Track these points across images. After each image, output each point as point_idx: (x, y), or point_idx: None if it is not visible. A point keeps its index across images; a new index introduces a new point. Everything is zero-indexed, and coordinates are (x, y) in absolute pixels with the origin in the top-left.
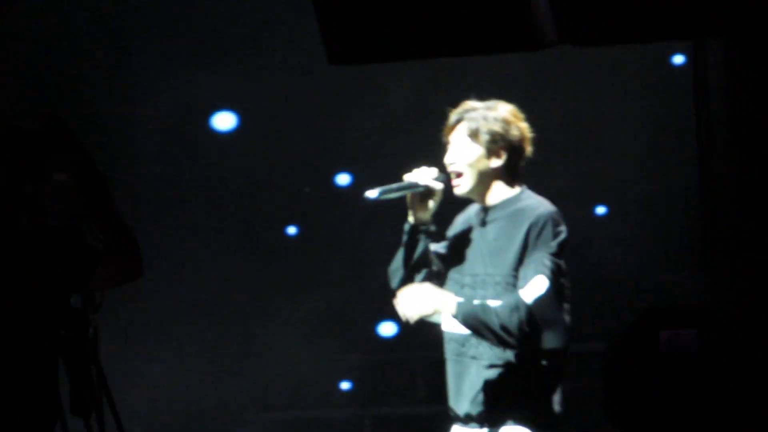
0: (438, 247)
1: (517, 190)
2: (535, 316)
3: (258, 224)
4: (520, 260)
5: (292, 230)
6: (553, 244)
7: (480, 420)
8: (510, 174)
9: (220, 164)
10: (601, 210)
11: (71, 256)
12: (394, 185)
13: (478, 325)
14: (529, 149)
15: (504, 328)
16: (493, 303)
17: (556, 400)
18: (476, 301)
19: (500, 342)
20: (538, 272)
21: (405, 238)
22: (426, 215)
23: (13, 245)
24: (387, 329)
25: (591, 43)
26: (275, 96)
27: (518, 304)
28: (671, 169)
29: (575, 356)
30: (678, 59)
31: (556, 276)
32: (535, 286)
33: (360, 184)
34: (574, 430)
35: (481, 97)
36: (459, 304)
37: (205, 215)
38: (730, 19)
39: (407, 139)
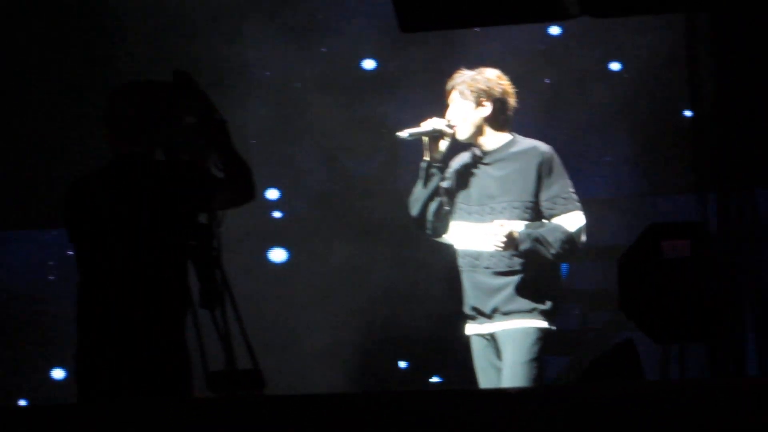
0: (445, 183)
1: (509, 136)
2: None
3: None
4: (538, 189)
5: None
6: (568, 178)
7: (495, 315)
8: (499, 122)
9: None
10: None
11: (198, 182)
12: (417, 129)
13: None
14: (512, 101)
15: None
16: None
17: (557, 296)
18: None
19: (555, 255)
20: (576, 208)
21: (422, 173)
22: (438, 155)
23: (154, 175)
24: None
25: (609, 14)
26: None
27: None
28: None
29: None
30: None
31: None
32: (576, 219)
33: None
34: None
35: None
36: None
37: None
38: None
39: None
